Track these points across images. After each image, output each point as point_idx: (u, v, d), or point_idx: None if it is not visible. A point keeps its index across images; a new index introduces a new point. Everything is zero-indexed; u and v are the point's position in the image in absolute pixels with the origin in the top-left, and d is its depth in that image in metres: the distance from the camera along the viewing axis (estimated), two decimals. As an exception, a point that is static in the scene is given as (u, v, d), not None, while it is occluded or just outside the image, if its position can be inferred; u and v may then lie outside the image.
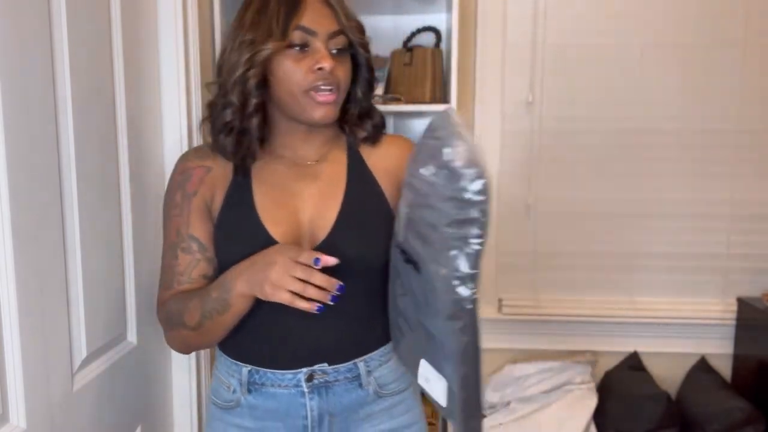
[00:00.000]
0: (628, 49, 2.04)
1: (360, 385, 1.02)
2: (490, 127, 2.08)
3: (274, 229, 0.98)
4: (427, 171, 0.81)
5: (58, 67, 1.01)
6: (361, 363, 1.02)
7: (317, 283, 0.86)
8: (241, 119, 0.97)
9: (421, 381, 0.91)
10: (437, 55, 1.88)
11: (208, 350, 1.60)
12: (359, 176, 1.04)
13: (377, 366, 1.04)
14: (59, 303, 1.02)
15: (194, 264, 1.01)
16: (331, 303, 0.87)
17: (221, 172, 1.03)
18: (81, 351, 1.09)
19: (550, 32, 2.05)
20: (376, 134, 1.07)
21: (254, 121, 0.98)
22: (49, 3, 0.98)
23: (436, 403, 0.89)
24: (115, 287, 1.23)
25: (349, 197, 1.01)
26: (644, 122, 2.06)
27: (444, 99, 1.87)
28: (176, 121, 1.44)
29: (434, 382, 0.88)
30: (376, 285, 1.01)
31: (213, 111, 1.01)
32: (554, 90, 2.07)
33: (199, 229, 1.01)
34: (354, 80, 1.02)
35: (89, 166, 1.10)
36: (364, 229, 1.00)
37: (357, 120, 1.05)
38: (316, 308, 0.86)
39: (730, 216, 2.09)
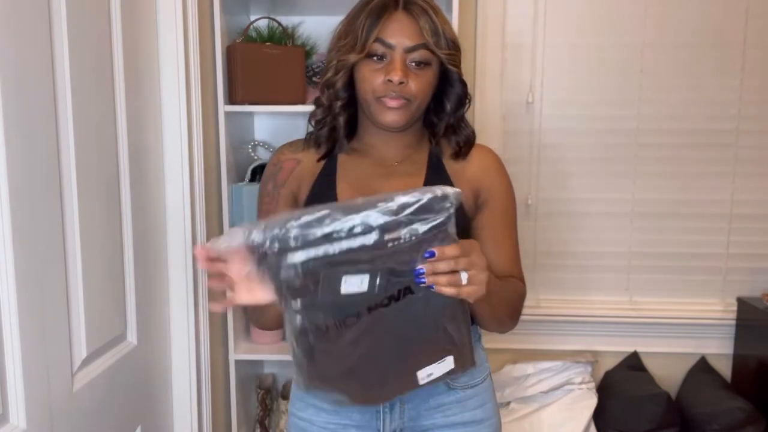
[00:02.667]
0: (628, 49, 2.04)
1: None
2: (490, 127, 2.08)
3: None
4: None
5: (58, 67, 1.01)
6: None
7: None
8: (329, 117, 1.06)
9: (422, 382, 0.92)
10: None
11: (208, 352, 1.60)
12: (436, 178, 1.08)
13: None
14: (59, 303, 1.02)
15: None
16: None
17: (310, 164, 1.09)
18: (81, 351, 1.09)
19: (550, 32, 2.05)
20: (461, 150, 1.10)
21: (341, 120, 1.06)
22: (49, 3, 0.98)
23: (447, 374, 0.91)
24: (115, 287, 1.23)
25: None
26: (644, 122, 2.07)
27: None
28: (176, 122, 1.44)
29: (439, 368, 0.90)
30: None
31: (315, 106, 1.10)
32: (554, 90, 2.07)
33: None
34: (445, 94, 1.06)
35: (89, 167, 1.10)
36: None
37: (443, 133, 1.09)
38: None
39: (730, 216, 2.09)
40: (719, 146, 2.07)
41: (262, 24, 1.91)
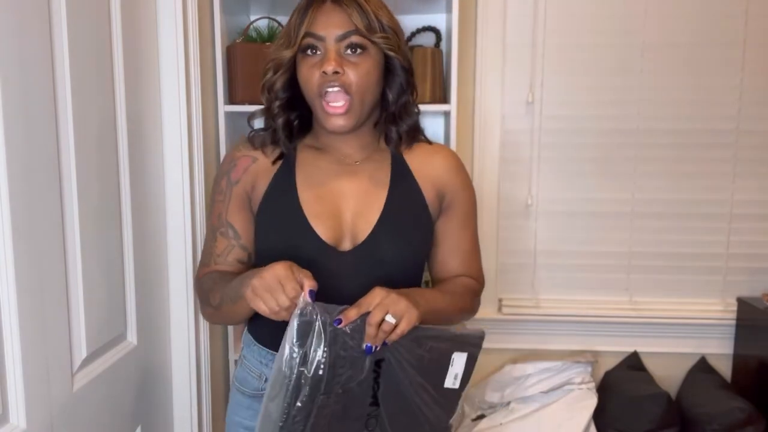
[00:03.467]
0: (628, 49, 2.04)
1: None
2: (490, 127, 2.08)
3: (315, 223, 1.00)
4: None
5: (57, 67, 1.01)
6: None
7: (282, 304, 0.86)
8: (270, 119, 1.04)
9: (455, 385, 0.97)
10: (437, 55, 1.88)
11: (208, 352, 1.60)
12: (402, 180, 1.06)
13: None
14: (59, 303, 1.02)
15: (230, 249, 1.05)
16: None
17: (267, 162, 1.06)
18: (81, 351, 1.09)
19: (550, 32, 2.05)
20: (404, 139, 1.08)
21: (279, 122, 1.03)
22: (49, 3, 0.98)
23: (469, 363, 0.96)
24: (115, 287, 1.23)
25: (391, 199, 1.03)
26: (644, 122, 2.06)
27: (444, 99, 1.86)
28: (176, 122, 1.44)
29: (457, 366, 0.96)
30: (413, 284, 1.04)
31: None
32: (554, 90, 2.07)
33: (235, 218, 1.05)
34: (387, 84, 1.03)
35: (89, 167, 1.10)
36: (404, 232, 1.03)
37: (386, 123, 1.07)
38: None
39: (730, 216, 2.09)
40: (719, 146, 2.06)
41: (262, 24, 1.91)
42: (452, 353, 0.94)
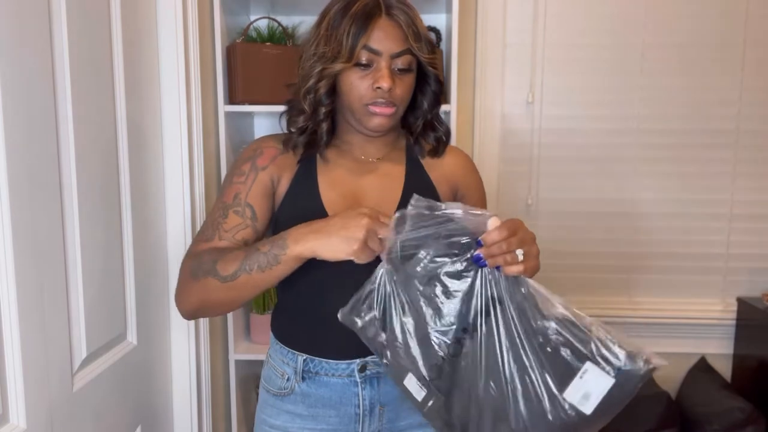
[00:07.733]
0: (628, 49, 2.04)
1: None
2: (490, 127, 2.08)
3: None
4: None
5: (57, 67, 1.01)
6: None
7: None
8: (312, 124, 1.05)
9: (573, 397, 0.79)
10: (437, 55, 1.88)
11: (208, 352, 1.60)
12: (416, 175, 1.11)
13: None
14: (59, 303, 1.02)
15: (242, 227, 1.02)
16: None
17: (291, 158, 1.07)
18: (81, 351, 1.09)
19: (550, 32, 2.05)
20: (439, 146, 1.13)
21: (324, 126, 1.05)
22: (49, 3, 0.98)
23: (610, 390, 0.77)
24: (115, 287, 1.23)
25: (406, 194, 1.06)
26: (644, 122, 2.07)
27: (444, 99, 1.86)
28: (176, 122, 1.44)
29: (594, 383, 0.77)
30: None
31: (290, 110, 1.08)
32: (554, 90, 2.07)
33: (257, 201, 1.04)
34: (421, 91, 1.08)
35: (89, 167, 1.10)
36: None
37: (421, 130, 1.12)
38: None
39: (730, 216, 2.09)
40: (719, 146, 2.07)
41: (262, 24, 1.91)
42: (584, 361, 0.76)
